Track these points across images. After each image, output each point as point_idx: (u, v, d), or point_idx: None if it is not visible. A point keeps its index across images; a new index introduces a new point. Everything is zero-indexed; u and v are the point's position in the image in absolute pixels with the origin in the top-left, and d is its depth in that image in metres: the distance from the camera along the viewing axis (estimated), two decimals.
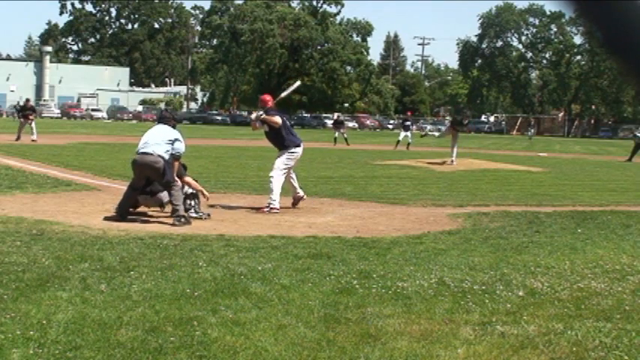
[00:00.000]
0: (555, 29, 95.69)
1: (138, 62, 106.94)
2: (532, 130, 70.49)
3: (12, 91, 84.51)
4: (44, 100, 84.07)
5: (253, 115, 11.45)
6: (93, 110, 78.16)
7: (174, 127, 9.82)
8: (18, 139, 26.54)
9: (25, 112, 28.16)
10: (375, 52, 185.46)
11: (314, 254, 7.03)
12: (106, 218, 9.15)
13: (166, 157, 9.30)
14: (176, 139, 9.46)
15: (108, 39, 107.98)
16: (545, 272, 6.65)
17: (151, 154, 9.29)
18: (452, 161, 22.02)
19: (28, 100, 29.46)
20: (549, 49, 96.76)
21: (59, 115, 74.76)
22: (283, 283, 5.75)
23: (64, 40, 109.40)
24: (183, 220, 8.98)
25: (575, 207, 12.30)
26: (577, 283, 6.29)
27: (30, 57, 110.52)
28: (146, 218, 9.43)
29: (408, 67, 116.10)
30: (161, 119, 10.19)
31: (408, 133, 33.15)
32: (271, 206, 10.41)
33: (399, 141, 32.86)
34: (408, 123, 34.17)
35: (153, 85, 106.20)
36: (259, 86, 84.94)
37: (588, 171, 23.66)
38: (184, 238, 7.68)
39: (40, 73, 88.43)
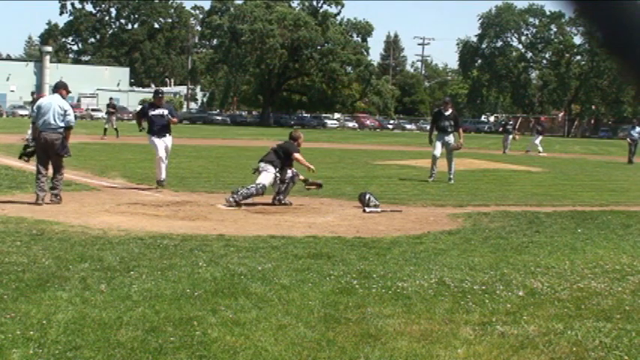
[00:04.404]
0: (555, 29, 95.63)
1: (138, 62, 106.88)
2: (514, 130, 70.76)
3: (12, 91, 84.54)
4: None
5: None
6: (93, 110, 78.17)
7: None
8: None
9: None
10: (375, 52, 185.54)
11: (314, 254, 7.03)
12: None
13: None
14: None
15: (108, 39, 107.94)
16: (545, 272, 6.65)
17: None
18: (449, 179, 16.32)
19: None
20: (549, 49, 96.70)
21: None
22: (283, 283, 5.75)
23: (64, 40, 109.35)
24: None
25: (575, 207, 12.30)
26: (577, 283, 6.29)
27: (30, 57, 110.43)
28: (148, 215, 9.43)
29: (408, 68, 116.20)
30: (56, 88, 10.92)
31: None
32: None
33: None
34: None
35: (153, 85, 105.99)
36: (259, 86, 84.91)
37: (588, 171, 23.66)
38: (184, 238, 7.68)
39: (40, 73, 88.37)
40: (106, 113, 34.20)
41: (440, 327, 4.80)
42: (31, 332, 4.32)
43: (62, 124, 10.30)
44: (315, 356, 4.17)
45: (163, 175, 12.80)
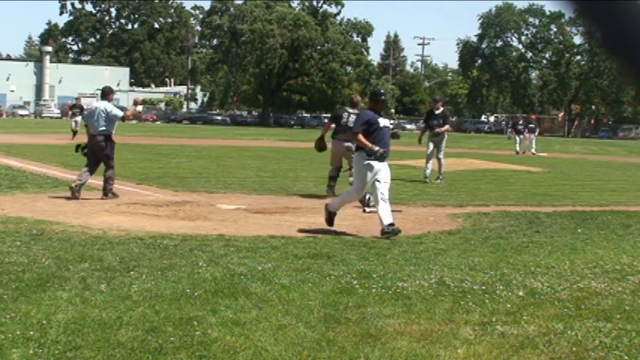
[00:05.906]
0: (555, 29, 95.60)
1: (138, 62, 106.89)
2: (509, 130, 70.72)
3: (12, 91, 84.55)
4: (44, 100, 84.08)
5: None
6: None
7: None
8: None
9: None
10: (375, 52, 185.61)
11: (314, 254, 7.03)
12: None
13: None
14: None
15: (108, 39, 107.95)
16: (545, 272, 6.65)
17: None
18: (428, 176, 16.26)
19: None
20: (549, 49, 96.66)
21: (59, 115, 74.73)
22: (283, 283, 5.75)
23: (64, 40, 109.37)
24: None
25: (575, 207, 12.30)
26: (577, 283, 6.29)
27: (30, 57, 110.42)
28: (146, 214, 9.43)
29: (407, 68, 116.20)
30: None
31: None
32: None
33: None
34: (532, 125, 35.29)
35: (153, 85, 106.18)
36: (259, 86, 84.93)
37: (588, 171, 23.66)
38: (184, 238, 7.68)
39: (40, 73, 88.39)
40: (73, 114, 30.33)
41: (440, 327, 4.80)
42: (31, 332, 4.32)
43: (105, 127, 11.41)
44: (315, 356, 4.17)
45: (389, 219, 8.33)
